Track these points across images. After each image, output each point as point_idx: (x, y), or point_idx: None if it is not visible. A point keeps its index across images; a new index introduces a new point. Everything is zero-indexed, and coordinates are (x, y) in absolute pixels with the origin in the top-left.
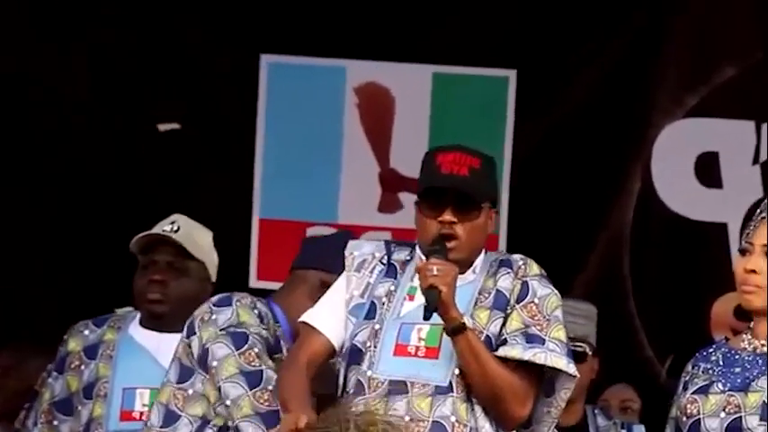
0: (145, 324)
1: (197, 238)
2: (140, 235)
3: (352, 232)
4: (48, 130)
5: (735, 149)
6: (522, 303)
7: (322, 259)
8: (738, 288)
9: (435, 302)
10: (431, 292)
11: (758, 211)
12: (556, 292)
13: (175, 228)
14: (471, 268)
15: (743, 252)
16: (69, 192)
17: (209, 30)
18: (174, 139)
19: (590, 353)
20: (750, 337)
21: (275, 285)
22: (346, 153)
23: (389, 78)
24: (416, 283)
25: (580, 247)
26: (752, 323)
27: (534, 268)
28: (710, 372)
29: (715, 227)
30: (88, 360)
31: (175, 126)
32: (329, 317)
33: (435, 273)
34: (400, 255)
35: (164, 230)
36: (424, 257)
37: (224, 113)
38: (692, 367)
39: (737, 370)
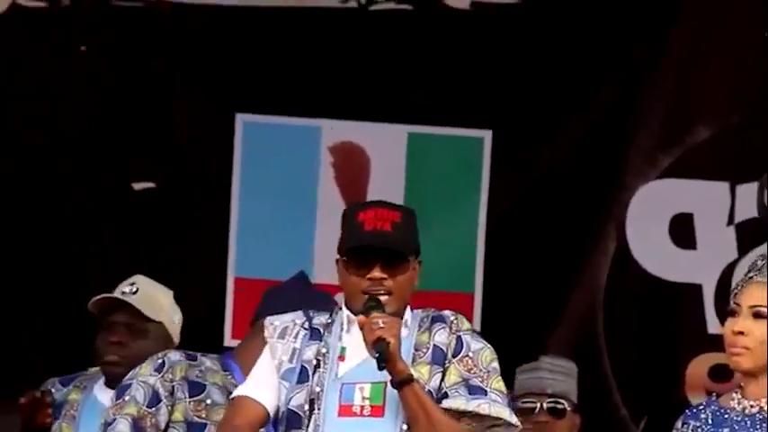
0: (108, 384)
1: (156, 299)
2: (97, 297)
3: (305, 275)
4: (24, 184)
5: (709, 211)
6: (458, 358)
7: (276, 308)
8: (727, 350)
9: (385, 354)
10: (380, 344)
11: (746, 270)
12: (489, 346)
13: (134, 289)
14: (402, 322)
15: (731, 313)
16: (43, 248)
17: (185, 88)
18: (149, 198)
19: (570, 409)
20: (740, 396)
21: None
22: (321, 212)
23: (365, 138)
24: (345, 343)
25: (555, 306)
26: (741, 382)
27: (466, 323)
28: (699, 430)
29: (690, 288)
30: (53, 419)
31: (150, 185)
32: (261, 385)
33: (381, 325)
34: (321, 319)
35: (123, 292)
36: (351, 315)
37: (199, 172)
38: (682, 425)
39: (726, 431)
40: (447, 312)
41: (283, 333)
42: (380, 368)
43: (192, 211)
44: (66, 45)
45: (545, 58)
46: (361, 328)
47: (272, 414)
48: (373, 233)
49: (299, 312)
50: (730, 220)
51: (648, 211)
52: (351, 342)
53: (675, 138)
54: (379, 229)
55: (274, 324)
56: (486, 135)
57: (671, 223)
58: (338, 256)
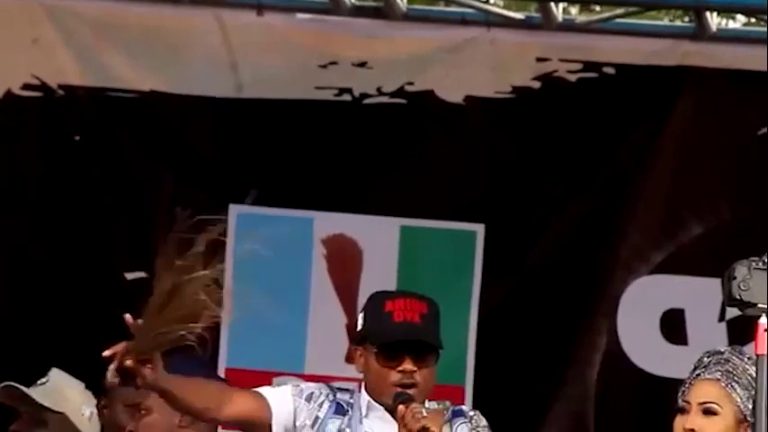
0: None
1: (61, 391)
2: (2, 385)
3: None
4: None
5: (701, 306)
6: None
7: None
8: None
9: None
10: None
11: (693, 368)
12: None
13: (45, 380)
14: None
15: (681, 411)
16: (34, 340)
17: (178, 178)
18: (141, 287)
19: None
20: None
21: None
22: (313, 304)
23: (357, 230)
24: (367, 427)
25: (545, 401)
26: None
27: (483, 420)
28: None
29: (681, 383)
30: None
31: (142, 274)
32: (276, 393)
33: (425, 414)
34: (344, 396)
35: (36, 383)
36: (373, 401)
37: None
38: None
39: None
40: (465, 408)
41: (309, 397)
42: None
43: None
44: (60, 135)
45: (537, 152)
46: (401, 418)
47: (273, 420)
48: (404, 325)
49: (322, 384)
50: (722, 317)
51: (640, 306)
52: (372, 427)
53: (668, 233)
54: (409, 321)
55: (300, 386)
56: (479, 229)
57: (662, 318)
58: (359, 345)
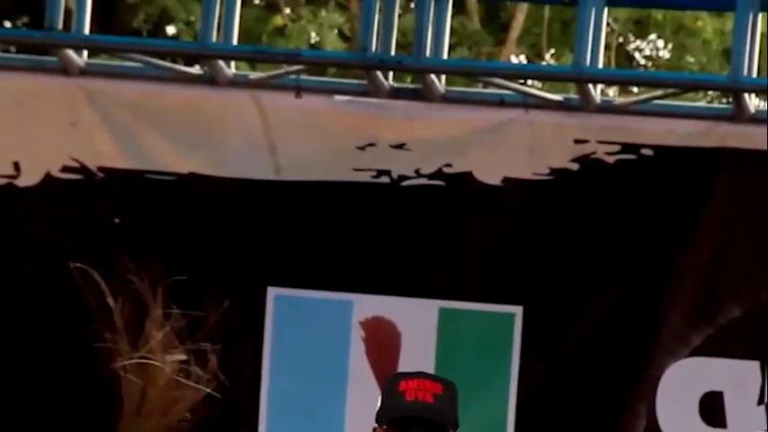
0: None
1: None
2: None
3: None
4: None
5: (740, 389)
6: None
7: None
8: None
9: None
10: None
11: None
12: None
13: None
14: None
15: None
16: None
17: (216, 260)
18: (180, 370)
19: None
20: None
21: None
22: (352, 387)
23: (396, 313)
24: None
25: None
26: None
27: None
28: None
29: None
30: None
31: (182, 357)
32: None
33: None
34: None
35: None
36: None
37: (230, 345)
38: None
39: None
40: None
41: None
42: None
43: (222, 384)
44: (100, 217)
45: (575, 234)
46: None
47: None
48: (415, 404)
49: None
50: (761, 400)
51: (679, 388)
52: None
53: (707, 316)
54: (421, 400)
55: None
56: (518, 311)
57: (701, 401)
58: (375, 425)
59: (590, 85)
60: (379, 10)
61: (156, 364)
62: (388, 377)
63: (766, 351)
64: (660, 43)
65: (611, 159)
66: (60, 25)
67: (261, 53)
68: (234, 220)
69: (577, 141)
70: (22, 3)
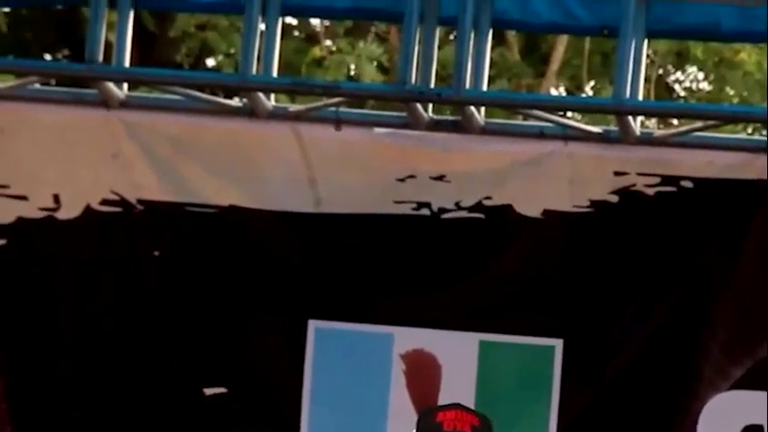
0: None
1: None
2: None
3: None
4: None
5: None
6: None
7: None
8: None
9: None
10: None
11: None
12: None
13: None
14: None
15: None
16: None
17: (257, 293)
18: (220, 404)
19: None
20: None
21: None
22: (392, 420)
23: (436, 345)
24: None
25: None
26: None
27: None
28: None
29: None
30: None
31: (222, 390)
32: None
33: None
34: None
35: None
36: None
37: (271, 379)
38: None
39: None
40: None
41: None
42: None
43: (262, 418)
44: (140, 250)
45: (615, 266)
46: None
47: None
48: None
49: None
50: None
51: (719, 422)
52: None
53: (747, 348)
54: (459, 430)
55: None
56: (558, 344)
57: None
58: None
59: (629, 118)
60: (419, 42)
61: None
62: (423, 411)
63: None
64: (700, 75)
65: (650, 191)
66: (101, 58)
67: (300, 85)
68: (274, 252)
69: (617, 173)
70: (63, 35)
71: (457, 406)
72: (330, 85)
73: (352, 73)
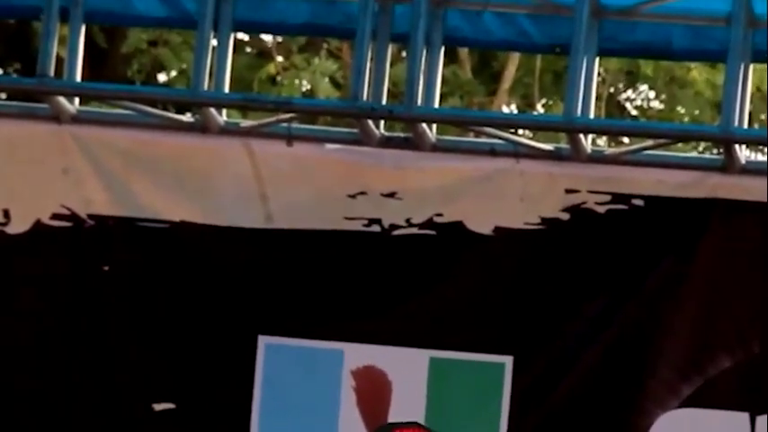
0: None
1: None
2: None
3: None
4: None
5: None
6: None
7: None
8: None
9: None
10: None
11: None
12: None
13: None
14: None
15: None
16: None
17: (207, 308)
18: (169, 420)
19: None
20: None
21: None
22: None
23: (387, 362)
24: None
25: None
26: None
27: None
28: None
29: None
30: None
31: (170, 405)
32: None
33: None
34: None
35: None
36: None
37: (220, 395)
38: None
39: None
40: None
41: None
42: None
43: None
44: (90, 265)
45: (566, 284)
46: None
47: None
48: None
49: None
50: None
51: None
52: None
53: (696, 367)
54: None
55: None
56: (508, 360)
57: None
58: None
59: (581, 135)
60: (371, 59)
61: None
62: (379, 428)
63: (756, 403)
64: (651, 94)
65: (601, 209)
66: (52, 72)
67: (252, 101)
68: (225, 267)
69: (568, 191)
70: (15, 49)
71: (413, 424)
72: (282, 101)
73: (306, 89)
